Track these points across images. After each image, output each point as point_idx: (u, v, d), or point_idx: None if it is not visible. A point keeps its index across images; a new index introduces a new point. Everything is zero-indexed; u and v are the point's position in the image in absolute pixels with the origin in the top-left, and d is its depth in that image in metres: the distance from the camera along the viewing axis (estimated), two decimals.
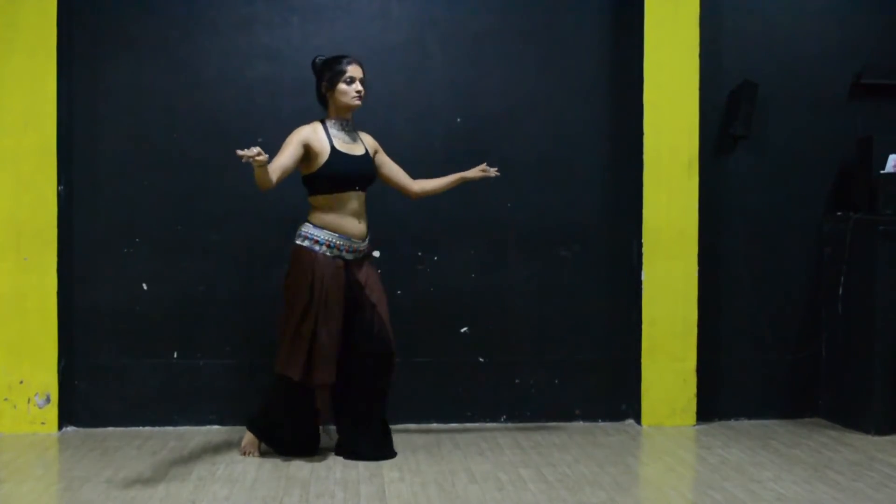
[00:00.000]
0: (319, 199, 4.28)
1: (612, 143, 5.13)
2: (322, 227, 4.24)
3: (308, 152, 4.23)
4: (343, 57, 4.31)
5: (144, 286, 4.92)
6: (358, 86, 4.27)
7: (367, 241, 4.38)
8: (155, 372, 4.92)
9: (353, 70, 4.27)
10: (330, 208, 4.26)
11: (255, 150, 3.86)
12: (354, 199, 4.29)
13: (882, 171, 4.93)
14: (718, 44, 5.13)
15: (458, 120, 4.95)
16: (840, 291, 5.03)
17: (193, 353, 4.94)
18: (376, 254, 4.96)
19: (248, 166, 4.95)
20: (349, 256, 4.28)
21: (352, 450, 4.36)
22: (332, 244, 4.23)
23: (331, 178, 4.23)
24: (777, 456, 4.48)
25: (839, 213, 5.15)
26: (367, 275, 4.35)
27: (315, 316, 4.16)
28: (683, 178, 4.98)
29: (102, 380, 4.90)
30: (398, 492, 3.89)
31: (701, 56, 4.99)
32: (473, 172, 4.55)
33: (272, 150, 4.96)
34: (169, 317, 4.92)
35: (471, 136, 5.00)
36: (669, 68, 4.96)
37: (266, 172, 4.01)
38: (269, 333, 4.96)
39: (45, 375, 4.76)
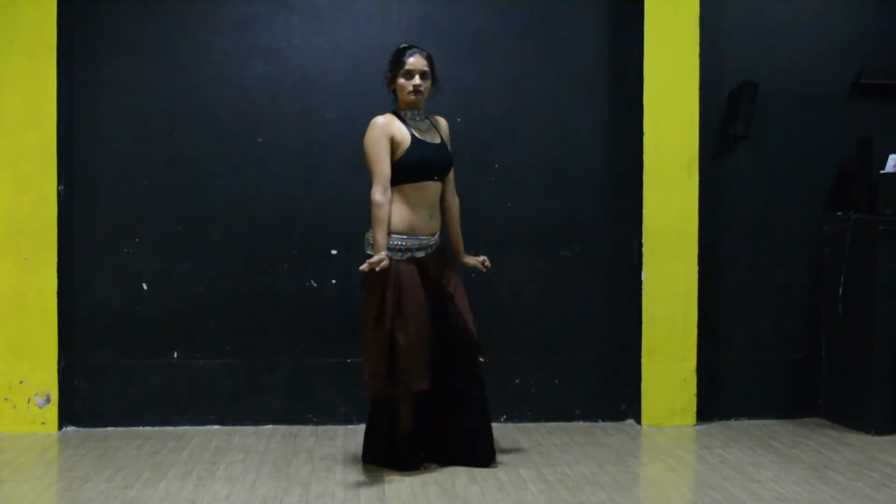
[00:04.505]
0: (399, 193, 4.08)
1: (612, 143, 5.13)
2: (391, 232, 4.06)
3: (391, 144, 4.08)
4: (407, 48, 4.15)
5: (144, 286, 4.92)
6: (416, 80, 4.10)
7: (436, 236, 4.22)
8: (155, 372, 4.92)
9: (413, 63, 4.11)
10: (405, 201, 4.08)
11: (380, 257, 3.90)
12: (431, 190, 4.15)
13: (882, 171, 4.93)
14: (718, 44, 5.13)
15: (458, 120, 4.95)
16: (840, 291, 5.03)
17: (193, 353, 4.94)
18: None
19: (247, 166, 4.97)
20: (421, 254, 4.13)
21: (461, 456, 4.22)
22: (402, 247, 4.07)
23: (412, 167, 4.06)
24: (777, 456, 4.48)
25: (839, 213, 5.15)
26: (444, 273, 4.18)
27: (391, 322, 3.98)
28: (683, 178, 4.98)
29: (102, 380, 4.90)
30: (398, 492, 3.89)
31: (701, 56, 4.99)
32: (470, 261, 4.37)
33: (271, 149, 5.00)
34: (169, 317, 4.92)
35: (471, 136, 5.00)
36: (669, 68, 4.96)
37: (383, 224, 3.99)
38: (268, 333, 4.97)
39: (45, 375, 4.76)
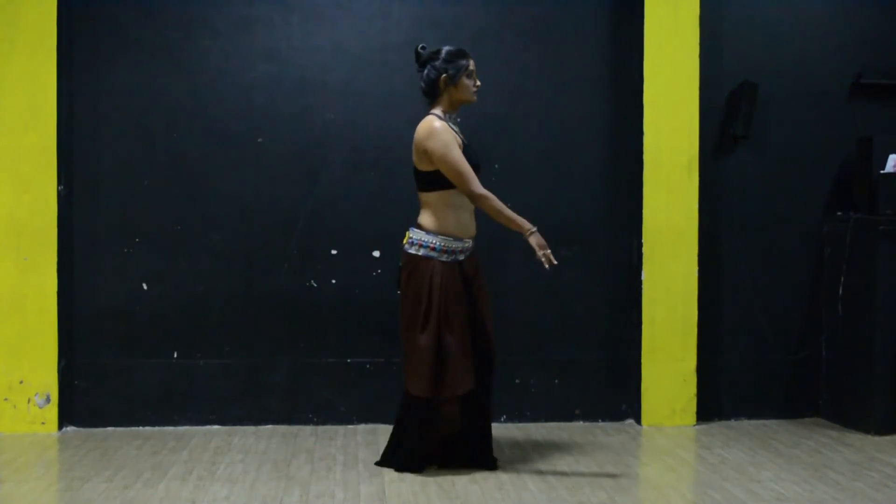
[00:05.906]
0: (444, 196, 4.08)
1: (612, 143, 5.13)
2: (436, 233, 4.08)
3: None
4: (463, 50, 4.18)
5: (144, 286, 4.92)
6: (477, 80, 4.22)
7: (474, 239, 4.24)
8: (155, 372, 4.92)
9: (473, 65, 4.19)
10: (449, 204, 4.09)
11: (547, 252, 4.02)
12: None
13: (882, 171, 4.93)
14: (718, 44, 5.13)
15: (458, 120, 4.94)
16: (840, 291, 5.03)
17: (193, 353, 4.94)
18: (376, 254, 4.97)
19: (247, 166, 4.97)
20: (462, 258, 4.15)
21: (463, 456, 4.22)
22: (448, 249, 4.08)
23: None
24: (777, 456, 4.48)
25: (839, 213, 5.15)
26: (477, 278, 4.20)
27: (438, 324, 4.00)
28: (683, 178, 4.98)
29: (102, 380, 4.90)
30: (398, 492, 3.89)
31: (701, 56, 4.99)
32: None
33: (271, 149, 4.99)
34: (169, 317, 4.92)
35: (471, 136, 4.98)
36: (669, 68, 4.96)
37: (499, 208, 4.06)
38: (268, 333, 4.97)
39: (45, 375, 4.76)
